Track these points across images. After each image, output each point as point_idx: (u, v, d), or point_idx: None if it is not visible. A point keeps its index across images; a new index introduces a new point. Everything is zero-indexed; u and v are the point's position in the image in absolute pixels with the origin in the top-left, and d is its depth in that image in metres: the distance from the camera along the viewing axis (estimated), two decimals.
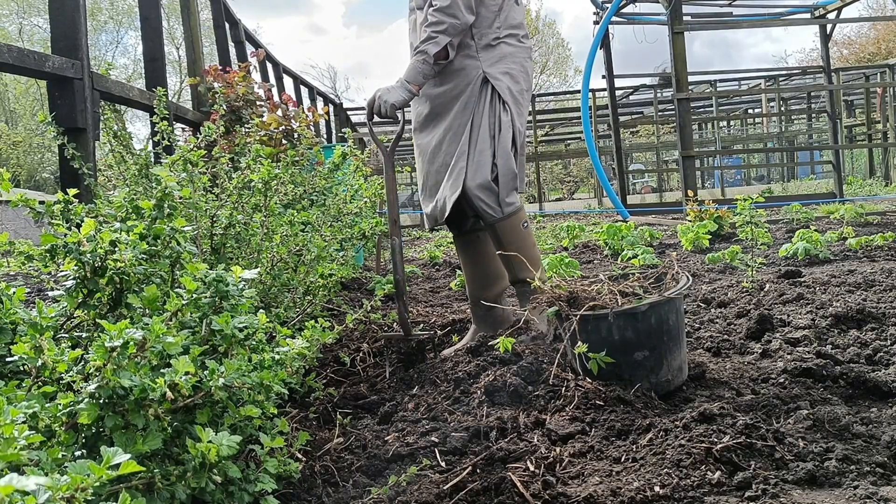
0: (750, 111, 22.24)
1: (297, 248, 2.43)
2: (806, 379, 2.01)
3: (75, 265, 1.38)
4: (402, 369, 2.36)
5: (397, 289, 2.46)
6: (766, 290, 3.29)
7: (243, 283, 1.35)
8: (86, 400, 1.06)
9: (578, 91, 12.42)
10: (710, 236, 5.60)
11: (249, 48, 7.97)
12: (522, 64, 2.63)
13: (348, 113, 15.82)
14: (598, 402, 1.80)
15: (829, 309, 2.75)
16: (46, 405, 1.07)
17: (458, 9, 2.43)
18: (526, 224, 2.55)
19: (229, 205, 2.21)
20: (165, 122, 2.60)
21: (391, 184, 2.53)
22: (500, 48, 2.58)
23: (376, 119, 2.52)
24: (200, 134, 2.31)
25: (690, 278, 2.10)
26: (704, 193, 12.45)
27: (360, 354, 2.52)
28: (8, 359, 1.21)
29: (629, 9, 10.84)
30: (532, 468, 1.49)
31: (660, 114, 16.70)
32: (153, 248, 1.46)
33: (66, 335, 1.41)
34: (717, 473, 1.41)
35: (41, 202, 1.65)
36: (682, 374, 2.00)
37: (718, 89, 16.80)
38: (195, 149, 2.12)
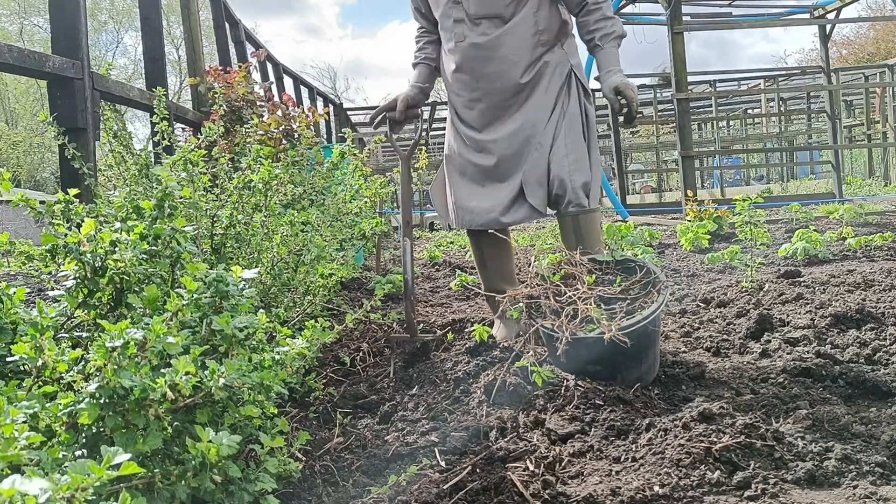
0: (749, 111, 22.25)
1: (298, 248, 2.43)
2: (805, 379, 2.01)
3: (76, 265, 1.38)
4: (402, 369, 2.36)
5: (406, 289, 2.46)
6: (765, 289, 3.29)
7: (244, 282, 1.35)
8: (86, 400, 1.06)
9: None
10: (709, 236, 5.61)
11: (249, 48, 7.98)
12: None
13: (348, 113, 15.83)
14: (597, 401, 1.80)
15: (828, 309, 2.75)
16: (47, 405, 1.07)
17: None
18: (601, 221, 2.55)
19: (230, 205, 2.21)
20: (165, 122, 2.60)
21: (406, 187, 2.55)
22: (572, 40, 2.61)
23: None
24: (201, 134, 2.31)
25: (663, 300, 2.03)
26: (704, 193, 12.45)
27: (360, 354, 2.52)
28: (8, 359, 1.21)
29: (629, 9, 10.83)
30: (532, 468, 1.49)
31: (659, 114, 16.70)
32: (153, 248, 1.47)
33: (67, 335, 1.42)
34: (717, 473, 1.41)
35: (42, 202, 1.65)
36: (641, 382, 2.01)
37: (718, 89, 16.81)
38: (196, 149, 2.12)
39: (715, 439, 1.52)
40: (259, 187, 2.27)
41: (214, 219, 2.10)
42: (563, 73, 2.54)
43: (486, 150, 2.59)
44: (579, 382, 1.90)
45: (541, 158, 2.49)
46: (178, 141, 2.69)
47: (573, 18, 2.59)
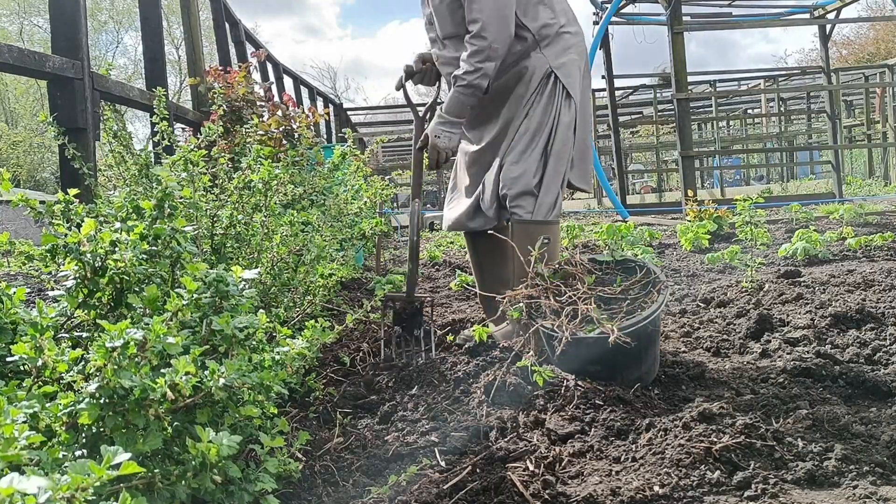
0: (749, 111, 22.24)
1: (298, 248, 2.43)
2: (805, 379, 2.01)
3: (76, 265, 1.38)
4: (402, 369, 2.36)
5: (411, 249, 2.54)
6: (765, 289, 3.29)
7: (244, 283, 1.35)
8: (86, 400, 1.06)
9: None
10: (709, 236, 5.61)
11: (249, 48, 7.98)
12: (580, 53, 2.56)
13: (348, 113, 15.84)
14: (597, 401, 1.80)
15: (828, 309, 2.75)
16: (47, 405, 1.07)
17: (495, 31, 2.35)
18: (547, 240, 2.34)
19: (230, 205, 2.21)
20: (165, 123, 2.59)
21: (418, 153, 2.58)
22: (563, 39, 2.50)
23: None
24: (201, 134, 2.30)
25: (663, 300, 2.03)
26: (704, 193, 12.45)
27: (360, 354, 2.52)
28: (8, 359, 1.21)
29: (629, 9, 10.84)
30: (532, 468, 1.49)
31: (659, 114, 16.70)
32: (153, 248, 1.46)
33: (67, 335, 1.41)
34: (717, 473, 1.41)
35: (42, 202, 1.65)
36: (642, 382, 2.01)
37: (718, 89, 16.81)
38: (196, 149, 2.12)
39: (715, 439, 1.52)
40: (259, 187, 2.27)
41: (214, 219, 2.10)
42: (538, 78, 2.47)
43: (472, 161, 2.69)
44: (579, 382, 1.90)
45: (497, 166, 2.54)
46: (178, 141, 2.69)
47: (561, 18, 2.52)
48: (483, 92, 2.43)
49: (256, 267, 2.12)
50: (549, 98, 2.47)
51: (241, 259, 2.19)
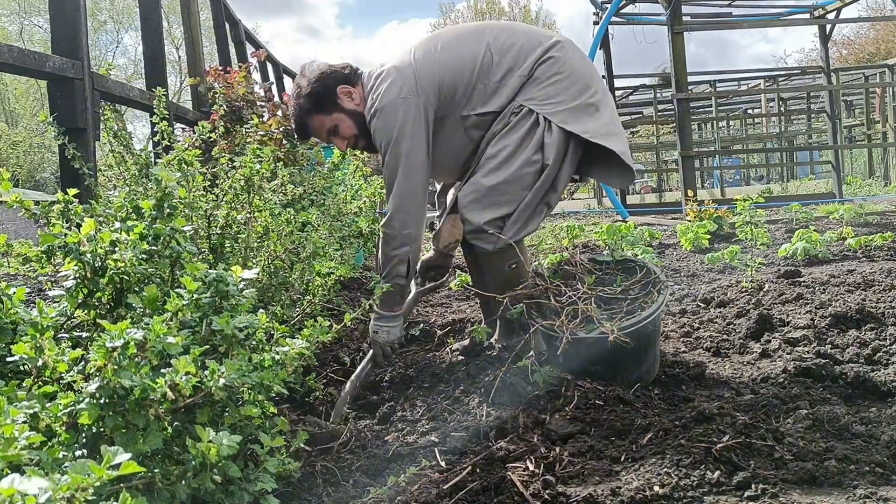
0: (749, 111, 22.25)
1: (293, 245, 2.43)
2: (805, 379, 2.01)
3: (75, 265, 1.38)
4: (402, 369, 2.36)
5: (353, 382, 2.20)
6: (765, 289, 3.29)
7: (243, 282, 1.35)
8: (86, 400, 1.06)
9: None
10: (709, 236, 5.61)
11: (249, 48, 7.98)
12: (561, 71, 2.26)
13: None
14: (597, 401, 1.80)
15: (828, 309, 2.75)
16: (47, 405, 1.07)
17: (402, 218, 2.21)
18: (514, 265, 2.20)
19: (225, 204, 2.21)
20: (165, 123, 2.59)
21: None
22: (538, 72, 2.27)
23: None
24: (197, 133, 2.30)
25: (663, 300, 2.01)
26: (704, 193, 12.46)
27: (360, 354, 2.52)
28: (8, 359, 1.21)
29: (629, 9, 10.85)
30: (532, 468, 1.49)
31: (659, 114, 16.69)
32: (153, 248, 1.46)
33: (67, 335, 1.41)
34: (717, 473, 1.41)
35: (37, 203, 1.65)
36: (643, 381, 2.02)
37: (718, 89, 16.80)
38: (190, 148, 2.12)
39: (715, 439, 1.52)
40: (242, 184, 2.25)
41: (211, 218, 2.10)
42: (507, 113, 2.27)
43: None
44: (579, 382, 1.90)
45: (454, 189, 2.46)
46: (178, 141, 2.69)
47: (524, 65, 2.27)
48: (405, 279, 2.29)
49: (250, 264, 2.12)
50: (517, 128, 2.24)
51: (234, 257, 2.19)
